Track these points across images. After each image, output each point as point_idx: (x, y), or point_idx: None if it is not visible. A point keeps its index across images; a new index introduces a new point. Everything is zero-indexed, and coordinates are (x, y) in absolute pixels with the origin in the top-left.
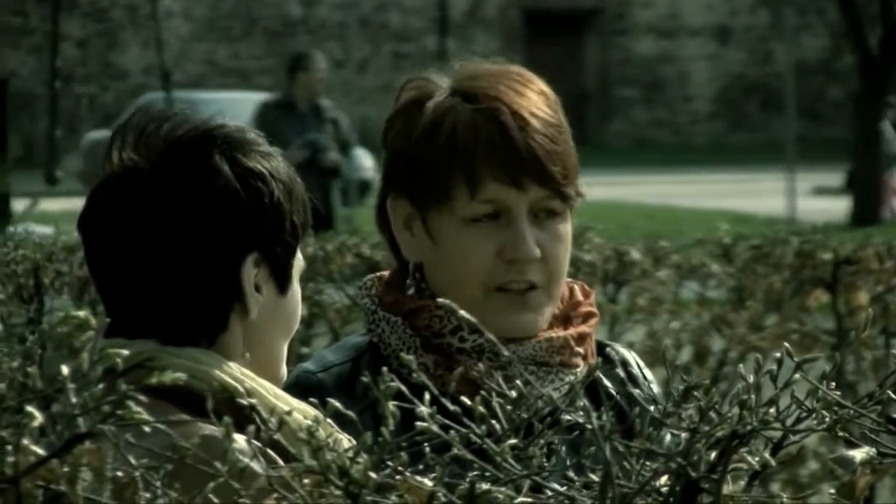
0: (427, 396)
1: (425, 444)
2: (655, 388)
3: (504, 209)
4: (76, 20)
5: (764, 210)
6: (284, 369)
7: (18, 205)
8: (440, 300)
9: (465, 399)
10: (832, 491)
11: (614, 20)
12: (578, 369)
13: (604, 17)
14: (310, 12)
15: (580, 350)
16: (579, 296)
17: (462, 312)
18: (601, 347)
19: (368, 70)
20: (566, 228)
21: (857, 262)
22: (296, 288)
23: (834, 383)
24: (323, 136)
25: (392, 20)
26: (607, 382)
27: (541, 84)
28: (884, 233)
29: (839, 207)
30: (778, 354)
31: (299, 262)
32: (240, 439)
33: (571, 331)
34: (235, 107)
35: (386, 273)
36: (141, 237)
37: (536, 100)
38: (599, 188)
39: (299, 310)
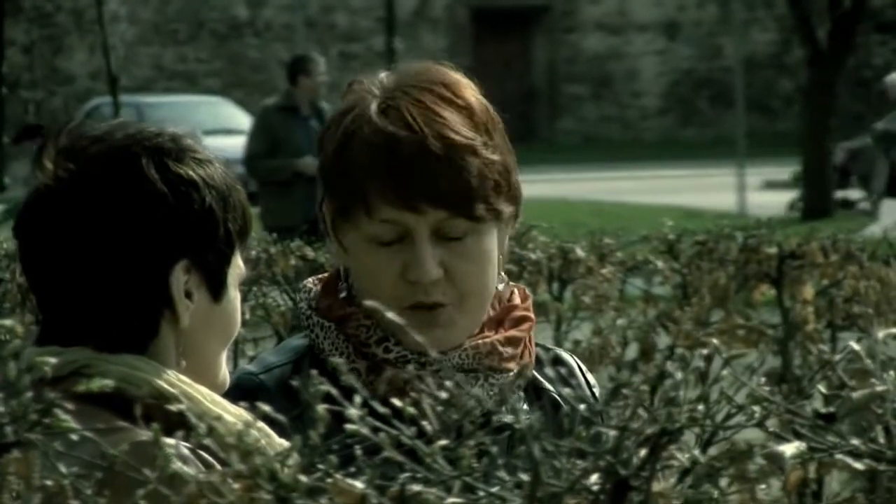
0: (357, 399)
1: (356, 446)
2: (598, 392)
3: (405, 231)
4: (21, 25)
5: (714, 205)
6: (225, 375)
7: None
8: (366, 302)
9: (395, 401)
10: (767, 487)
11: (562, 17)
12: (511, 373)
13: (551, 15)
14: (256, 14)
15: (509, 353)
16: (517, 299)
17: (390, 315)
18: (544, 351)
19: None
20: (480, 246)
21: (802, 257)
22: (232, 295)
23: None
24: None
25: (339, 21)
26: (546, 383)
27: (471, 94)
28: (832, 226)
29: (787, 201)
30: (722, 350)
31: (237, 268)
32: (180, 444)
33: (499, 335)
34: (183, 110)
35: (324, 276)
36: (70, 245)
37: (453, 119)
38: (549, 185)
39: (238, 316)
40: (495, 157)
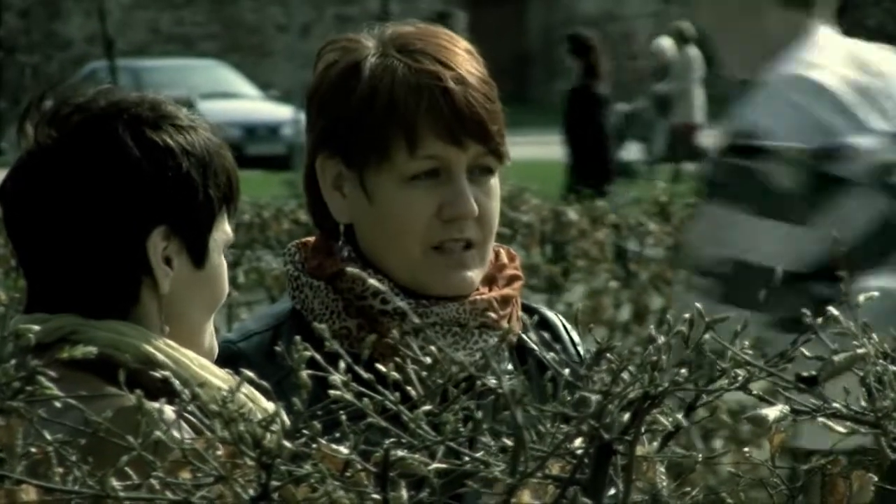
0: (342, 364)
1: (340, 411)
2: (582, 351)
3: (444, 167)
4: None
5: None
6: (212, 342)
7: None
8: (349, 269)
9: (380, 366)
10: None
11: None
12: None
13: None
14: None
15: (504, 312)
16: (504, 259)
17: (371, 280)
18: (529, 311)
19: (312, 34)
20: (498, 186)
21: None
22: (217, 261)
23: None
24: None
25: None
26: (533, 345)
27: (465, 44)
28: None
29: None
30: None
31: (223, 234)
32: (168, 410)
33: (495, 293)
34: (179, 73)
35: (311, 239)
36: (50, 211)
37: (468, 59)
38: (543, 147)
39: (224, 283)
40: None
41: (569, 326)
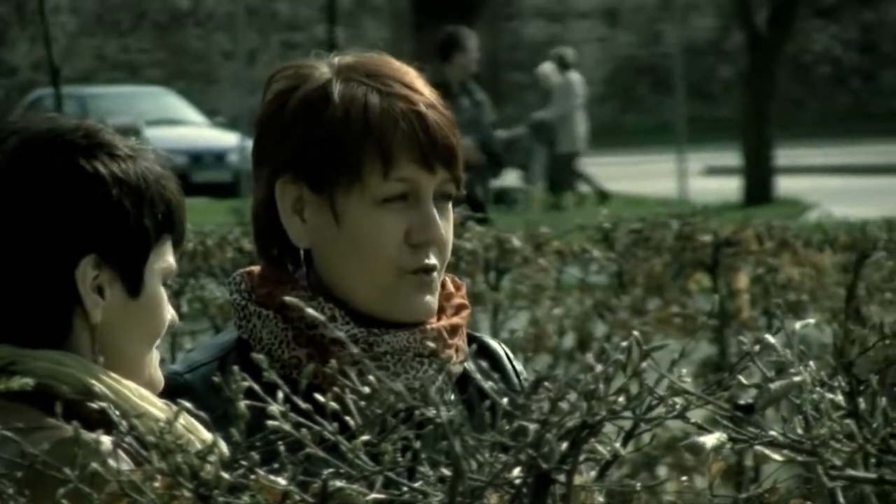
0: (280, 395)
1: (278, 442)
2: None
3: (413, 190)
4: None
5: (656, 192)
6: (153, 373)
7: None
8: (287, 298)
9: (318, 396)
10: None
11: (502, 5)
12: (452, 361)
13: (492, 3)
14: (198, 4)
15: (452, 342)
16: (451, 287)
17: (309, 310)
18: (470, 340)
19: (258, 61)
20: (451, 213)
21: (737, 244)
22: (154, 291)
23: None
24: (489, 127)
25: (281, 9)
26: (477, 374)
27: (415, 71)
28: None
29: (731, 187)
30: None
31: (163, 264)
32: (106, 441)
33: (444, 322)
34: (126, 100)
35: (255, 268)
36: None
37: (425, 85)
38: None
39: (163, 312)
40: None
41: (511, 355)
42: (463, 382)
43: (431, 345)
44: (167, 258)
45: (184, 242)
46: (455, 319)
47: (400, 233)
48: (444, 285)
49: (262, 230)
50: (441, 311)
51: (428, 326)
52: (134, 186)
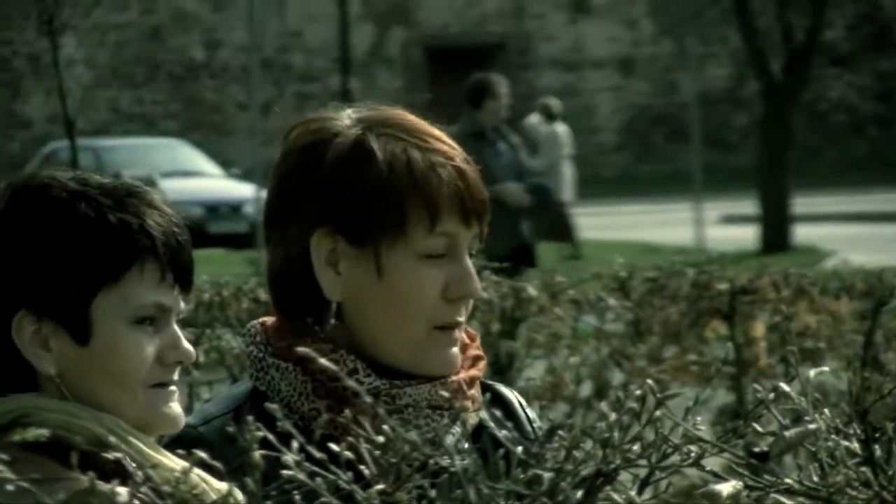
0: (295, 444)
1: (293, 491)
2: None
3: (453, 245)
4: None
5: (673, 240)
6: (151, 412)
7: None
8: (300, 349)
9: (332, 446)
10: None
11: (517, 55)
12: (471, 412)
13: (506, 52)
14: (212, 55)
15: (470, 393)
16: (465, 339)
17: (322, 360)
18: (484, 388)
19: (272, 112)
20: None
21: (753, 292)
22: (110, 334)
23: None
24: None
25: (295, 61)
26: (491, 423)
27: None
28: (791, 259)
29: (748, 235)
30: (670, 387)
31: (134, 300)
32: (122, 491)
33: (463, 374)
34: (140, 152)
35: (270, 319)
36: None
37: (449, 140)
38: None
39: (131, 353)
40: None
41: (524, 402)
42: (477, 431)
43: (445, 394)
44: (139, 294)
45: (188, 276)
46: (472, 372)
47: (438, 287)
48: None
49: (285, 282)
50: None
51: (448, 380)
52: (67, 227)
